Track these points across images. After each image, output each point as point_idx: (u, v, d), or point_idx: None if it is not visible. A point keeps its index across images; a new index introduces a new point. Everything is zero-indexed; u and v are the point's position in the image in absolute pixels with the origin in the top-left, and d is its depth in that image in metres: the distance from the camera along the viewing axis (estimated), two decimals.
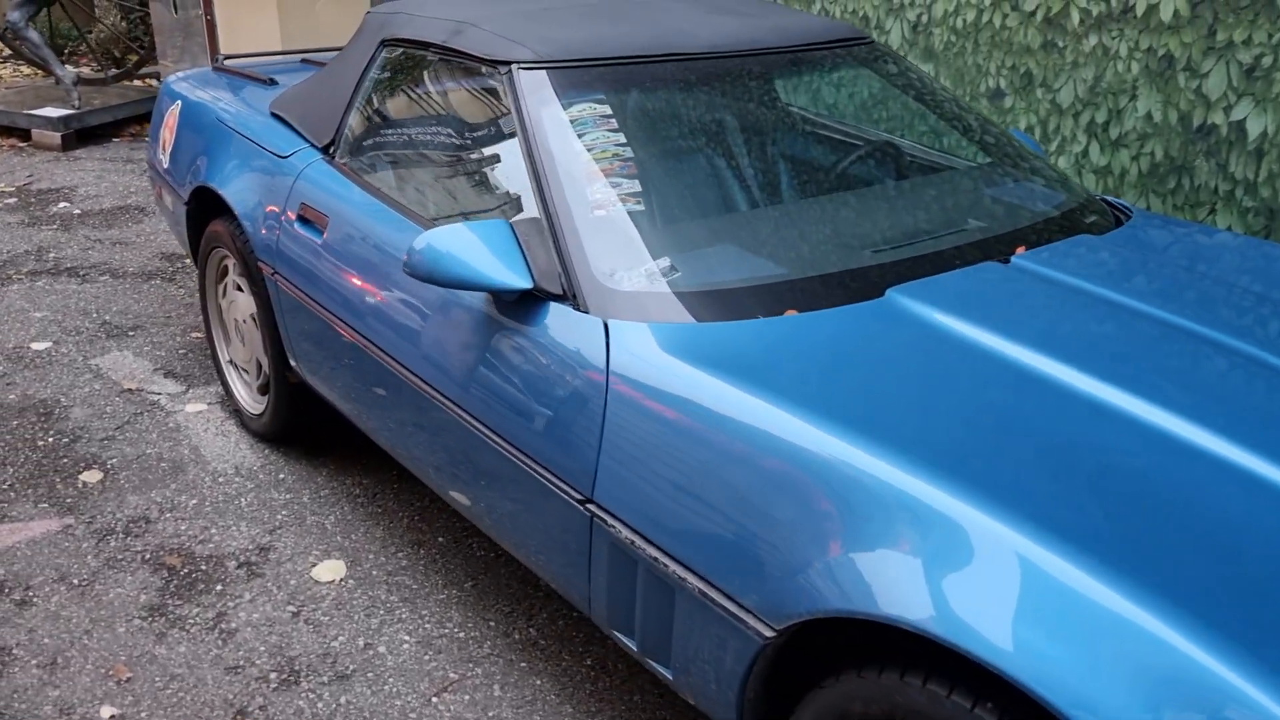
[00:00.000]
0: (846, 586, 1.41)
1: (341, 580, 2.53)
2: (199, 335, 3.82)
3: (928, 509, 1.38)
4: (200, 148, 3.08)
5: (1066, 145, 3.38)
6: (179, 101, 3.33)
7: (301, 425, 2.99)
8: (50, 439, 3.14)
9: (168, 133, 3.34)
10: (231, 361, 3.23)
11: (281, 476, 2.95)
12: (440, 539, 2.70)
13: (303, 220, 2.58)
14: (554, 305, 1.92)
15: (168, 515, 2.77)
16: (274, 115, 2.95)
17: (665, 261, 1.93)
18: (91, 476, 2.94)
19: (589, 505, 1.80)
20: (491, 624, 2.40)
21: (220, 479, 2.94)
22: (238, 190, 2.82)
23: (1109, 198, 2.61)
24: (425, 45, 2.52)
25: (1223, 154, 3.02)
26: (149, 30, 8.58)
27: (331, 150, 2.65)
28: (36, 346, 3.71)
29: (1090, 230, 2.29)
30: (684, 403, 1.66)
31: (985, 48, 3.52)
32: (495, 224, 1.99)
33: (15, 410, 3.29)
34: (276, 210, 2.67)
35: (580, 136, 2.11)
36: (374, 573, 2.56)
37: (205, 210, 3.17)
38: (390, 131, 2.51)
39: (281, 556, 2.61)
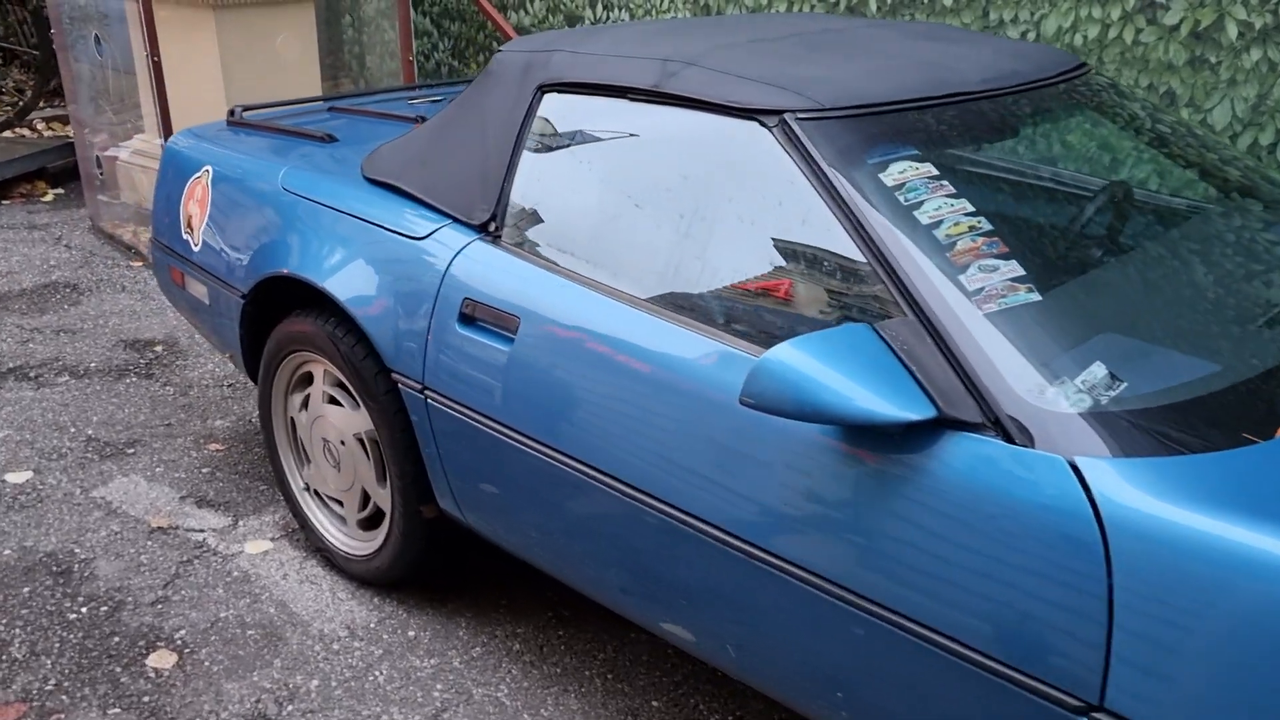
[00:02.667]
0: None
1: None
2: (218, 448, 3.13)
3: None
4: (265, 226, 2.45)
5: None
6: (208, 168, 2.68)
7: (433, 568, 2.40)
8: (83, 609, 2.44)
9: (195, 207, 2.69)
10: (310, 489, 2.60)
11: (412, 635, 2.35)
12: (654, 702, 2.17)
13: (469, 320, 2.02)
14: (963, 438, 1.44)
15: (290, 709, 2.14)
16: (372, 181, 2.36)
17: (1101, 370, 1.48)
18: (162, 660, 2.27)
19: (1095, 715, 1.33)
20: None
21: (335, 646, 2.31)
22: (347, 281, 2.22)
23: None
24: (619, 91, 1.99)
25: None
26: (10, 75, 7.57)
27: (494, 229, 2.08)
28: (14, 479, 2.97)
29: None
30: (1259, 574, 1.22)
31: (1113, 65, 3.20)
32: (856, 331, 1.50)
33: (20, 571, 2.57)
34: (420, 308, 2.09)
35: (917, 207, 1.64)
36: None
37: (268, 304, 2.53)
38: (592, 203, 1.97)
39: None
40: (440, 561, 2.38)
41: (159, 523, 2.76)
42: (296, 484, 2.61)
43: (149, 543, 2.68)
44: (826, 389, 1.43)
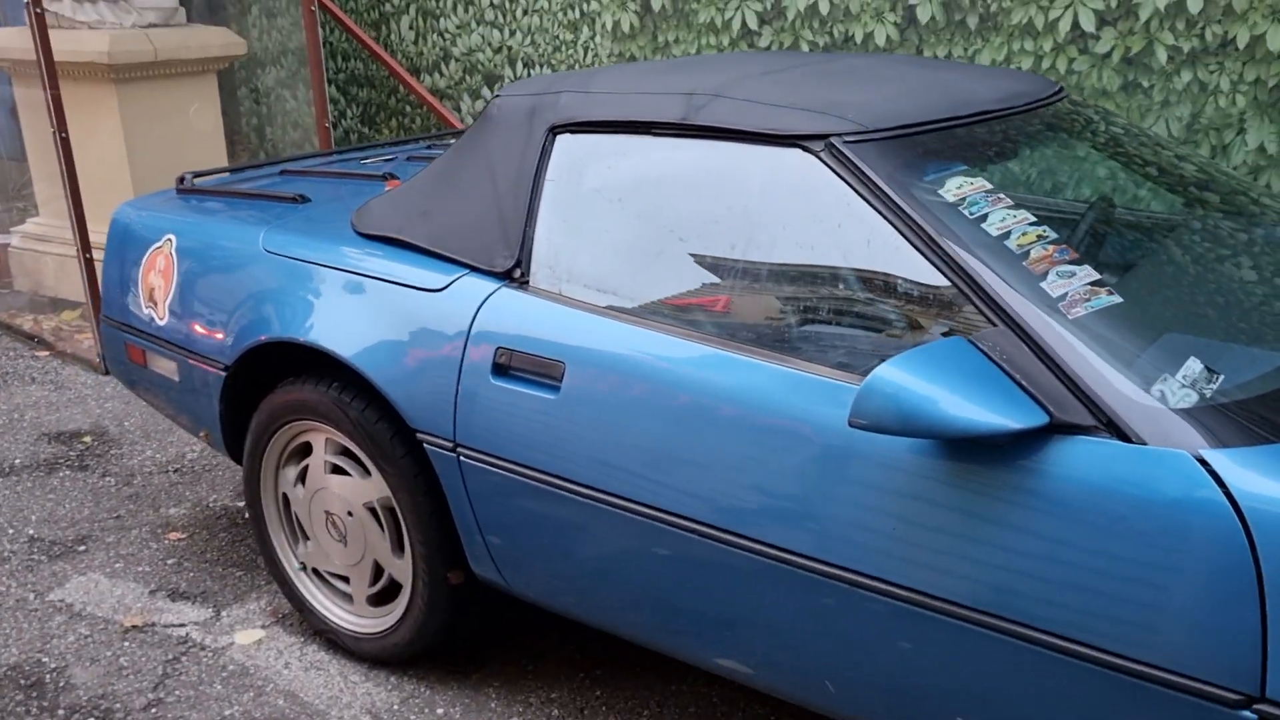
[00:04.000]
0: None
1: None
2: (179, 536, 2.92)
3: None
4: (249, 292, 2.31)
5: None
6: (170, 236, 2.53)
7: (460, 637, 2.27)
8: None
9: (158, 279, 2.52)
10: (306, 568, 2.44)
11: (442, 712, 2.21)
12: None
13: (503, 371, 1.93)
14: (1078, 442, 1.44)
15: None
16: (367, 237, 2.25)
17: (1198, 365, 1.50)
18: None
19: (1257, 707, 1.32)
20: None
21: None
22: (355, 342, 2.10)
23: None
24: (642, 127, 1.96)
25: None
26: None
27: (519, 275, 2.01)
28: None
29: None
30: None
31: None
32: (954, 344, 1.49)
33: None
34: (446, 363, 1.99)
35: (983, 220, 1.65)
36: None
37: (251, 376, 2.38)
38: (630, 241, 1.92)
39: None
40: (468, 629, 2.26)
41: (132, 621, 2.54)
42: (291, 565, 2.45)
43: (126, 644, 2.47)
44: (934, 404, 1.41)
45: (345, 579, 2.36)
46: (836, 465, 1.59)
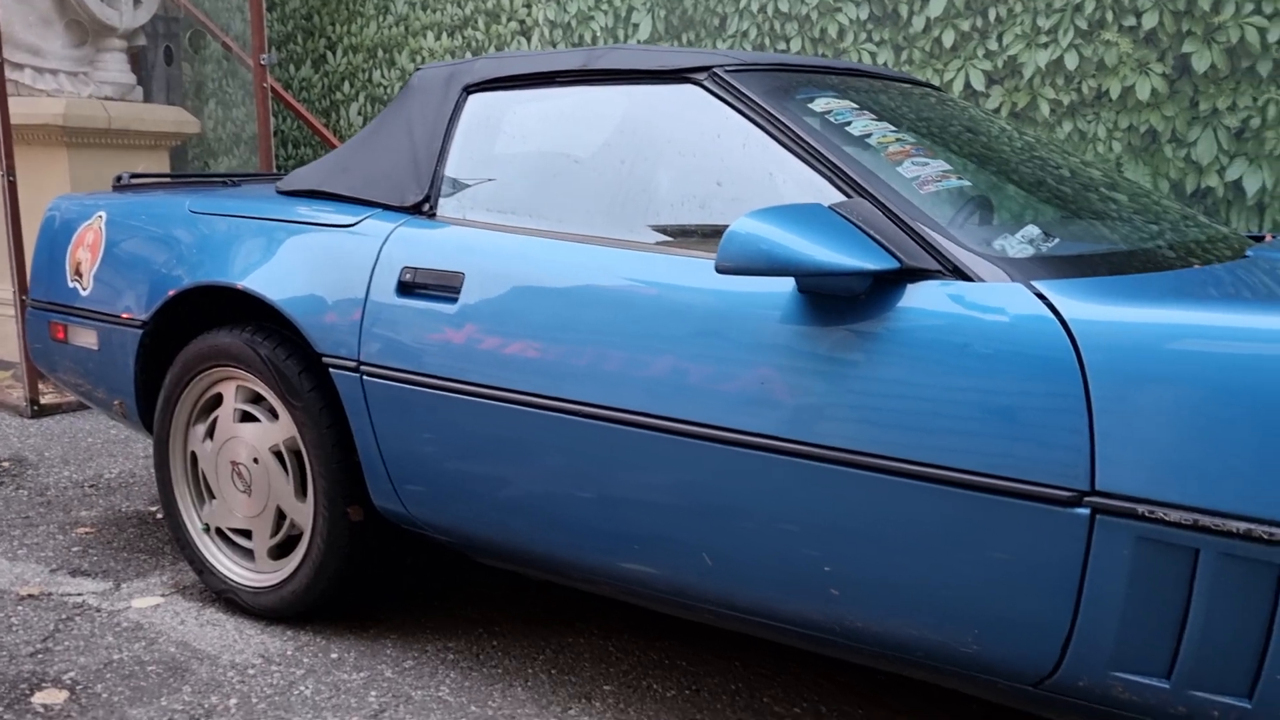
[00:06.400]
0: None
1: None
2: (87, 530, 2.90)
3: None
4: (171, 249, 2.40)
5: None
6: (101, 213, 2.63)
7: (354, 584, 2.27)
8: None
9: (86, 252, 2.61)
10: (210, 529, 2.44)
11: (335, 656, 2.20)
12: (605, 686, 2.08)
13: (408, 289, 2.03)
14: (926, 285, 1.56)
15: None
16: (290, 194, 2.37)
17: (1035, 229, 1.64)
18: (52, 697, 2.04)
19: (1088, 500, 1.40)
20: None
21: (250, 671, 2.13)
22: (267, 277, 2.19)
23: None
24: (546, 78, 2.13)
25: (1222, 213, 3.18)
26: None
27: (427, 208, 2.13)
28: None
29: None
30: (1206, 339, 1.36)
31: None
32: (811, 206, 1.62)
33: None
34: (353, 287, 2.08)
35: (847, 125, 1.81)
36: None
37: (167, 336, 2.45)
38: (530, 169, 2.05)
39: None
40: (365, 575, 2.26)
41: (27, 591, 2.51)
42: (195, 526, 2.45)
43: (19, 608, 2.43)
44: (794, 247, 1.53)
45: (247, 534, 2.37)
46: (708, 331, 1.68)
